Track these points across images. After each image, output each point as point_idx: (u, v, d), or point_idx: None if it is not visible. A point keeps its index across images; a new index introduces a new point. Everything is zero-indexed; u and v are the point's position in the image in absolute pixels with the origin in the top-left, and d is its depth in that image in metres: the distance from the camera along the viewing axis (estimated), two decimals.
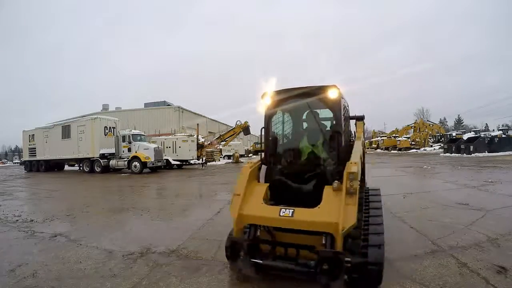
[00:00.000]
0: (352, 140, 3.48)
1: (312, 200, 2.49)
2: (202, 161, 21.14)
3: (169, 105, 35.82)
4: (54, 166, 21.91)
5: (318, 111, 3.16)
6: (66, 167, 23.00)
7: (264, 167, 3.09)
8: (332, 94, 2.77)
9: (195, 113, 37.35)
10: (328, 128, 3.10)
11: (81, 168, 19.26)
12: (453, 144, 25.60)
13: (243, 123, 23.59)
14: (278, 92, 3.06)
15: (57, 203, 7.73)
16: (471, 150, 22.64)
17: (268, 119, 3.18)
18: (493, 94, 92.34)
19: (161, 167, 18.25)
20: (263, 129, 3.16)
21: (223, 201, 6.94)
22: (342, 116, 2.86)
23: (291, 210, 2.42)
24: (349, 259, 2.19)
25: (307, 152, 3.05)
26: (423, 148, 35.67)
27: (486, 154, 21.95)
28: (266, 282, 2.70)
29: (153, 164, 16.50)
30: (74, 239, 4.23)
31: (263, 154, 3.23)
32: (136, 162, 16.41)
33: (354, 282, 2.30)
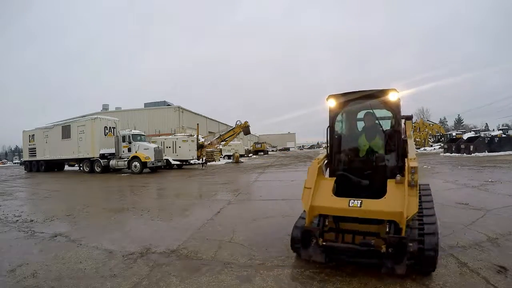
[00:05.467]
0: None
1: (372, 193, 2.81)
2: (202, 161, 21.13)
3: (169, 105, 35.81)
4: (54, 166, 21.91)
5: (376, 111, 3.43)
6: (66, 167, 23.01)
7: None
8: (392, 97, 3.06)
9: (195, 113, 37.36)
10: (388, 128, 3.35)
11: (81, 168, 19.27)
12: (453, 143, 25.58)
13: (243, 123, 23.59)
14: (342, 95, 3.37)
15: (57, 203, 7.73)
16: (471, 150, 22.62)
17: (333, 119, 3.48)
18: (493, 94, 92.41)
19: (161, 167, 18.24)
20: (328, 128, 3.44)
21: (223, 201, 6.95)
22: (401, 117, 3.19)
23: (359, 201, 2.70)
24: (411, 244, 2.47)
25: (367, 149, 3.37)
26: (423, 148, 35.64)
27: (486, 153, 21.93)
28: (268, 283, 2.71)
29: (153, 164, 16.49)
30: (74, 239, 4.23)
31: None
32: (136, 162, 16.41)
33: (412, 267, 2.57)
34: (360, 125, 3.68)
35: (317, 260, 2.75)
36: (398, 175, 2.77)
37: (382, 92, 3.14)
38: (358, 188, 3.04)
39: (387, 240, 2.49)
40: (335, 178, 3.19)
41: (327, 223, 2.93)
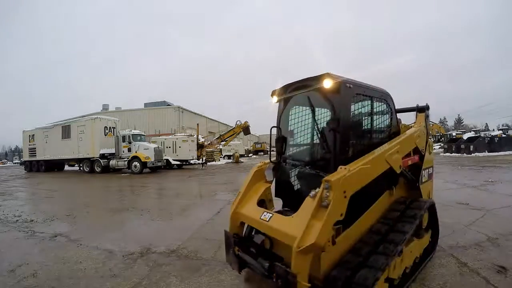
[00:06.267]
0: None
1: None
2: (202, 161, 21.14)
3: (169, 105, 35.80)
4: (54, 166, 21.90)
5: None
6: (66, 167, 23.00)
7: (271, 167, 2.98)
8: (326, 84, 2.30)
9: (195, 113, 37.34)
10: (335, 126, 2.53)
11: (81, 168, 19.25)
12: (453, 143, 25.61)
13: (243, 123, 23.58)
14: (282, 88, 2.83)
15: (57, 203, 7.73)
16: (471, 149, 22.65)
17: (278, 118, 2.99)
18: (493, 94, 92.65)
19: (161, 167, 18.24)
20: (271, 128, 2.94)
21: (223, 201, 6.95)
22: (346, 110, 2.40)
23: (270, 215, 2.36)
24: (308, 285, 1.88)
25: (308, 151, 2.86)
26: None
27: (486, 153, 21.97)
28: (266, 282, 2.70)
29: (153, 164, 16.49)
30: (74, 239, 4.23)
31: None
32: (136, 162, 16.40)
33: None
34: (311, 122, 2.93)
35: (234, 268, 2.62)
36: (314, 189, 2.14)
37: (315, 80, 2.42)
38: (299, 197, 2.50)
39: (274, 268, 2.08)
40: (268, 185, 2.87)
41: (253, 233, 2.64)
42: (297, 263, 1.88)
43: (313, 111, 2.69)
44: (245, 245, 2.58)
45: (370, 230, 2.45)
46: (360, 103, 2.56)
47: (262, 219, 2.38)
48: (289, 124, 2.95)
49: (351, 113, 2.46)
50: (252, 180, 2.88)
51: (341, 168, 2.12)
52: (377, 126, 2.81)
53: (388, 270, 2.17)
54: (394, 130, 2.96)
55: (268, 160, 2.96)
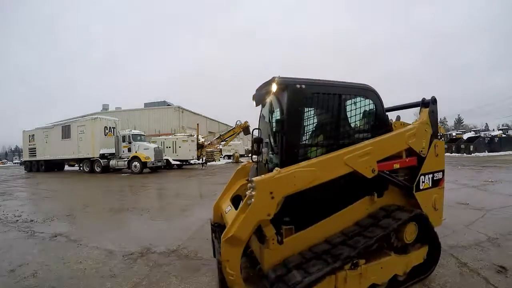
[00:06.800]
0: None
1: None
2: (202, 161, 21.15)
3: (169, 105, 35.78)
4: (54, 166, 21.90)
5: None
6: (66, 167, 23.00)
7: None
8: (273, 88, 2.34)
9: (195, 113, 37.32)
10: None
11: (81, 168, 19.26)
12: (453, 143, 25.66)
13: (243, 123, 23.57)
14: (256, 91, 2.79)
15: (57, 203, 7.73)
16: (471, 149, 22.70)
17: (259, 119, 3.02)
18: (493, 94, 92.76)
19: (161, 167, 18.24)
20: (253, 130, 2.99)
21: None
22: (295, 111, 2.32)
23: (229, 208, 2.60)
24: (233, 273, 2.00)
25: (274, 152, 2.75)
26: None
27: (486, 153, 22.00)
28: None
29: (153, 164, 16.49)
30: (74, 239, 4.23)
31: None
32: (136, 162, 16.41)
33: None
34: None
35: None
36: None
37: (268, 84, 2.45)
38: None
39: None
40: (244, 182, 3.08)
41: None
42: (224, 251, 2.03)
43: (272, 114, 2.67)
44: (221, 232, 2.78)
45: (334, 235, 2.33)
46: (321, 102, 2.42)
47: (226, 212, 2.65)
48: (264, 126, 2.97)
49: (307, 113, 2.38)
50: (235, 176, 3.20)
51: (276, 169, 2.10)
52: (350, 126, 2.57)
53: (335, 283, 2.06)
54: (381, 129, 2.62)
55: (252, 160, 3.09)
